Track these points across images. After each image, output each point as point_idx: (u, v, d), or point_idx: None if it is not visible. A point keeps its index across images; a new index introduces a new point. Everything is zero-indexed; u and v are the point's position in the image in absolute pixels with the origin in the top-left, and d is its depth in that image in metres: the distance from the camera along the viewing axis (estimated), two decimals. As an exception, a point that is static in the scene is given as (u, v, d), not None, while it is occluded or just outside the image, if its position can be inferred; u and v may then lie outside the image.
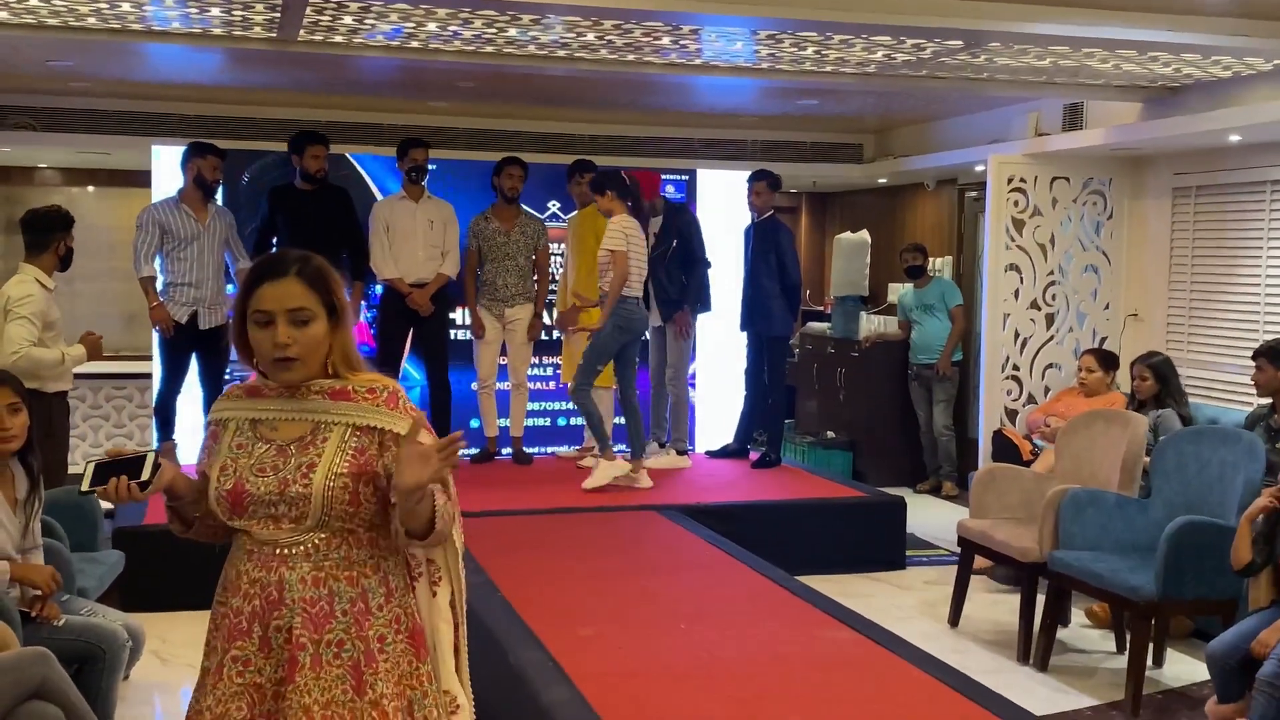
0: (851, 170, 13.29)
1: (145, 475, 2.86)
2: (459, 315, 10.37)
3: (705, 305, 9.88)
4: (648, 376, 10.11)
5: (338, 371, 2.99)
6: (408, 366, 9.88)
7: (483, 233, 9.76)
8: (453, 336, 10.04)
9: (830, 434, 12.59)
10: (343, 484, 2.88)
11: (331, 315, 2.95)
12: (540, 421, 10.77)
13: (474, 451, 10.05)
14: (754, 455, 10.22)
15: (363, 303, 9.85)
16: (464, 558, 3.12)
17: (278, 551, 2.90)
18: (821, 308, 14.69)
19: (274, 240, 9.10)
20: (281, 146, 9.86)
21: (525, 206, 10.01)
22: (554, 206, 10.83)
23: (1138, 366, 8.32)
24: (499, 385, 10.21)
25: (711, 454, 10.44)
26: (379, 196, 10.01)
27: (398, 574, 3.00)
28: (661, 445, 9.99)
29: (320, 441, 2.93)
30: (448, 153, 11.37)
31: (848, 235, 13.39)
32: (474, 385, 9.99)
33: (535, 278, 9.83)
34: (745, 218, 10.23)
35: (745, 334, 10.11)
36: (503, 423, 10.26)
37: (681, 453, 10.01)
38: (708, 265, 9.77)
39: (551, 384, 10.83)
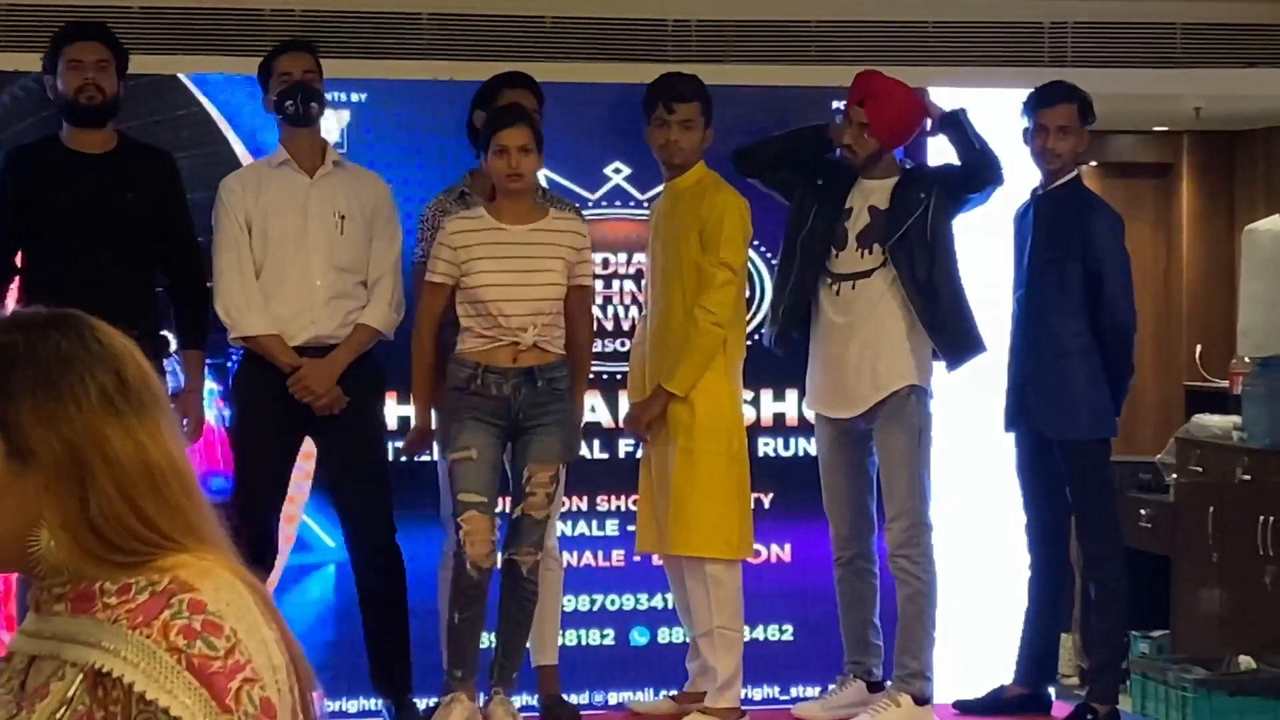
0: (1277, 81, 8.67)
1: None
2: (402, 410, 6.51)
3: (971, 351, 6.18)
4: (817, 536, 6.46)
5: (78, 560, 1.94)
6: (308, 519, 6.25)
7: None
8: (399, 455, 6.39)
9: (1247, 662, 8.19)
10: None
11: (17, 457, 1.87)
12: (594, 636, 6.76)
13: (432, 703, 6.05)
14: (1062, 707, 6.68)
15: (211, 390, 6.32)
16: None
17: None
18: (1221, 383, 10.28)
19: (8, 261, 6.11)
20: (32, 62, 6.38)
21: (546, 177, 6.35)
22: (618, 175, 6.79)
23: None
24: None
25: (966, 707, 6.68)
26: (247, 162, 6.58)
27: None
28: (871, 682, 6.35)
29: (40, 698, 2.02)
30: (390, 65, 7.08)
31: (1276, 224, 9.04)
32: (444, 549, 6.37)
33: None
34: (1016, 192, 6.29)
35: (1014, 438, 6.41)
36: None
37: (921, 700, 6.15)
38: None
39: (618, 554, 6.76)
